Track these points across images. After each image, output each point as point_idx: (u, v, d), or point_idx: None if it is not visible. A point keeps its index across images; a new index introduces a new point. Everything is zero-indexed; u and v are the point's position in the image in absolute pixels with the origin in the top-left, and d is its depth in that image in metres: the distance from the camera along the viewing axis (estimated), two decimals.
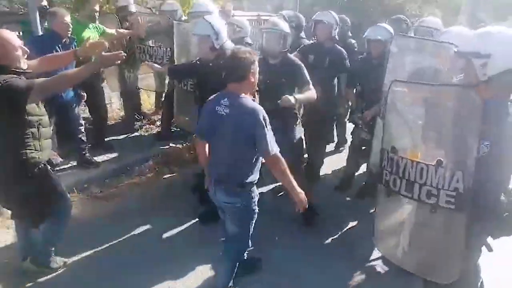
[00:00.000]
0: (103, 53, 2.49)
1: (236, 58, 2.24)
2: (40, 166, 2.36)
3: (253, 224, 2.50)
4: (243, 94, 2.27)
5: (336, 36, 4.29)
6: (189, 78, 3.90)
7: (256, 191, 2.42)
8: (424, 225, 1.96)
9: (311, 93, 3.20)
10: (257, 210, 2.44)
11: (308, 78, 3.23)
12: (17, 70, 2.22)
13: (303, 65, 3.25)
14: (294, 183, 2.29)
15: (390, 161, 2.00)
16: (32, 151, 2.29)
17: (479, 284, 2.21)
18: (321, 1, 12.17)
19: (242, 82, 2.26)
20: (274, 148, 2.20)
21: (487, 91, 1.78)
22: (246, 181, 2.31)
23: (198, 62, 3.37)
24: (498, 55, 1.74)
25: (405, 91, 2.05)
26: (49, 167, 2.45)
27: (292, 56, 3.34)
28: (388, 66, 2.68)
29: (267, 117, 2.23)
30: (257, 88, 2.55)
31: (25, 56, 2.31)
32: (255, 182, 2.38)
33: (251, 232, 2.52)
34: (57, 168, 3.72)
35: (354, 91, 4.02)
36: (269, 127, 2.22)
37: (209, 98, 2.41)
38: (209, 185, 2.43)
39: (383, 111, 2.69)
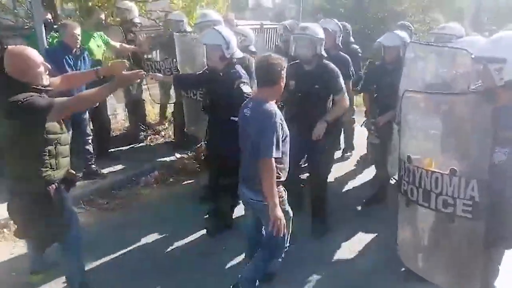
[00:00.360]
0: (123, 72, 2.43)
1: (268, 63, 2.32)
2: (54, 185, 2.27)
3: (290, 224, 2.48)
4: (269, 99, 2.34)
5: (340, 44, 4.30)
6: (196, 87, 3.89)
7: (283, 190, 2.44)
8: (443, 235, 1.92)
9: (343, 104, 3.21)
10: (288, 209, 2.46)
11: (343, 85, 3.23)
12: (39, 87, 2.17)
13: (339, 71, 3.23)
14: (276, 195, 2.23)
15: (407, 171, 1.98)
16: (47, 169, 2.23)
17: None
18: (324, 8, 12.27)
19: (273, 86, 2.34)
20: (271, 152, 2.20)
21: (505, 96, 1.76)
22: None
23: (207, 71, 3.36)
24: None
25: (417, 100, 2.03)
26: (62, 186, 2.36)
27: (328, 62, 3.28)
28: (403, 73, 2.65)
29: (278, 122, 2.28)
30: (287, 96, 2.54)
31: (47, 72, 2.26)
32: (281, 181, 2.40)
33: (287, 234, 2.49)
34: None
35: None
36: (278, 132, 2.25)
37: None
38: (239, 185, 2.54)
39: (398, 117, 2.67)
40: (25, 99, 2.04)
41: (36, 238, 2.43)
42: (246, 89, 3.07)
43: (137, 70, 2.42)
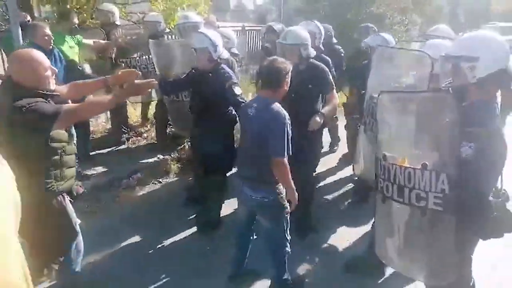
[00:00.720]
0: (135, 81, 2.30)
1: (274, 67, 2.41)
2: (58, 197, 2.17)
3: (287, 219, 2.57)
4: (273, 100, 2.42)
5: (321, 46, 4.36)
6: (183, 90, 3.84)
7: (281, 188, 2.51)
8: (417, 228, 1.98)
9: (334, 101, 3.30)
10: (286, 205, 2.52)
11: (332, 83, 3.32)
12: (45, 92, 2.04)
13: (327, 70, 3.33)
14: (292, 184, 2.45)
15: (382, 168, 2.04)
16: (51, 180, 2.11)
17: (471, 283, 2.24)
18: (305, 10, 12.40)
19: (277, 89, 2.43)
20: (283, 152, 2.33)
21: (476, 93, 1.85)
22: (268, 178, 2.43)
23: (194, 72, 3.37)
24: (487, 57, 1.80)
25: (391, 99, 2.10)
26: (67, 199, 2.25)
27: (316, 62, 3.34)
28: (370, 75, 2.75)
29: (288, 122, 2.36)
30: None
31: (54, 76, 2.13)
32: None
33: (287, 227, 2.59)
34: None
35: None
36: (288, 133, 2.35)
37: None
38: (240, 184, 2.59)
39: (364, 118, 2.75)
40: (29, 105, 1.91)
41: (38, 255, 2.26)
42: (237, 90, 3.14)
43: (150, 79, 2.31)
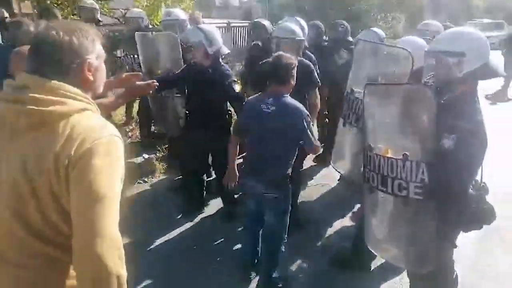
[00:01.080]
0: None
1: (280, 63, 2.45)
2: None
3: (288, 220, 2.65)
4: (286, 94, 2.47)
5: (306, 42, 4.37)
6: (177, 85, 3.68)
7: (289, 184, 2.56)
8: (400, 217, 2.03)
9: (316, 100, 3.37)
10: (290, 202, 2.61)
11: (317, 81, 3.36)
12: None
13: (312, 67, 3.37)
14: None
15: (368, 159, 2.08)
16: None
17: (454, 275, 2.29)
18: (289, 8, 12.43)
19: (285, 84, 2.47)
20: (314, 142, 2.49)
21: (462, 87, 1.90)
22: (284, 174, 2.52)
23: (191, 67, 3.31)
24: (472, 52, 1.84)
25: (377, 92, 2.13)
26: None
27: (302, 59, 3.36)
28: (352, 69, 2.78)
29: (307, 112, 2.48)
30: None
31: None
32: (289, 175, 2.56)
33: (287, 227, 2.66)
34: None
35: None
36: (311, 123, 2.49)
37: (250, 98, 2.67)
38: (244, 178, 2.64)
39: (344, 111, 2.77)
40: None
41: None
42: (237, 88, 3.19)
43: (150, 81, 2.28)
